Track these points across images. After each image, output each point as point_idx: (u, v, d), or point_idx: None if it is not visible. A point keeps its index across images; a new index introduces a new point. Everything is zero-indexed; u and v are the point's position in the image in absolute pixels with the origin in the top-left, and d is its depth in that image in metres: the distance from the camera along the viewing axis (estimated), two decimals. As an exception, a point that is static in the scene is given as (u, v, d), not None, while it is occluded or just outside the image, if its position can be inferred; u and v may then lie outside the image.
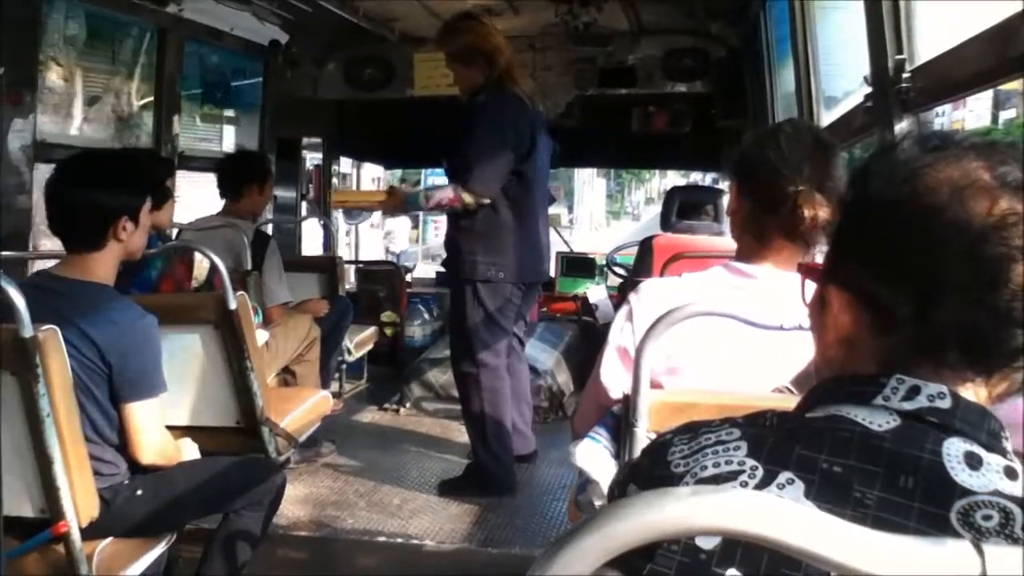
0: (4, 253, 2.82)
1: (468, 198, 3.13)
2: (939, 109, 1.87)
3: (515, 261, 3.30)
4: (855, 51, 2.12)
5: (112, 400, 2.07)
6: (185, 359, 2.65)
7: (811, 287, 0.87)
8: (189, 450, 2.32)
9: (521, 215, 3.29)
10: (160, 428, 2.14)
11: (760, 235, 1.56)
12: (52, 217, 2.12)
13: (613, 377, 1.64)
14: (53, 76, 3.57)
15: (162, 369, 2.13)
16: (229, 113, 5.29)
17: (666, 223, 4.09)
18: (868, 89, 2.07)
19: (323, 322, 3.90)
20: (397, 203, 3.26)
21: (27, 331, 1.81)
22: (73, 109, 3.77)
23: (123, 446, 2.11)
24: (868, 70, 2.04)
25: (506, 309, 3.36)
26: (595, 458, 1.54)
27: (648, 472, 0.81)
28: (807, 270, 0.89)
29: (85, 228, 2.10)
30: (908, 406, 0.73)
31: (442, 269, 5.07)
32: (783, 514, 0.50)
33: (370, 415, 4.56)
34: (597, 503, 1.54)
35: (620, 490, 0.85)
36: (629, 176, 40.68)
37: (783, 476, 0.72)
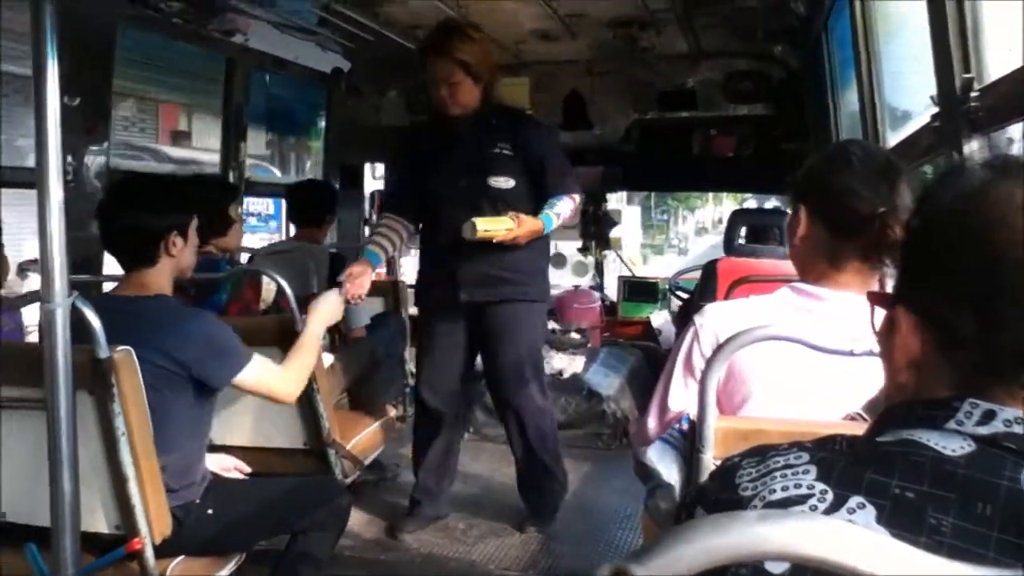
0: (78, 276, 2.92)
1: (579, 203, 3.16)
2: (1019, 132, 1.81)
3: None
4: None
5: (212, 391, 2.18)
6: (254, 380, 2.71)
7: (880, 314, 0.86)
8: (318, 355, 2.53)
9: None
10: (276, 378, 2.30)
11: (834, 259, 1.52)
12: (106, 238, 2.21)
13: (681, 399, 1.63)
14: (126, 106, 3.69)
15: (238, 341, 2.21)
16: (293, 140, 5.41)
17: (730, 247, 4.05)
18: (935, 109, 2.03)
19: (379, 340, 3.93)
20: (535, 231, 2.97)
21: (103, 352, 1.88)
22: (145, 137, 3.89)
23: (198, 458, 2.20)
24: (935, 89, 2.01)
25: None
26: (667, 459, 1.52)
27: (716, 496, 0.80)
28: (875, 297, 0.88)
29: (137, 246, 2.18)
30: (983, 431, 0.72)
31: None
32: (855, 540, 0.50)
33: None
34: (664, 506, 1.52)
35: (687, 513, 0.85)
36: (675, 203, 36.68)
37: (853, 500, 0.70)
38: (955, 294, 0.74)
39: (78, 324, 1.81)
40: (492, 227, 2.86)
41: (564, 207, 3.03)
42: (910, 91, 2.76)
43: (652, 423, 1.67)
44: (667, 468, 1.52)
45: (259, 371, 2.23)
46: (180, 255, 2.22)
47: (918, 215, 0.82)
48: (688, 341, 1.63)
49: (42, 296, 1.77)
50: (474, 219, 2.83)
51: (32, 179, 1.75)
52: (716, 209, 41.55)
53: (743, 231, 4.08)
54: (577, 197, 3.08)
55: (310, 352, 2.46)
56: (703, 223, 43.09)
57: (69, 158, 3.02)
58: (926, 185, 0.83)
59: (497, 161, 3.03)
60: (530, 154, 3.04)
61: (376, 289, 4.70)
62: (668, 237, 37.41)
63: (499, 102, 3.11)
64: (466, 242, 2.88)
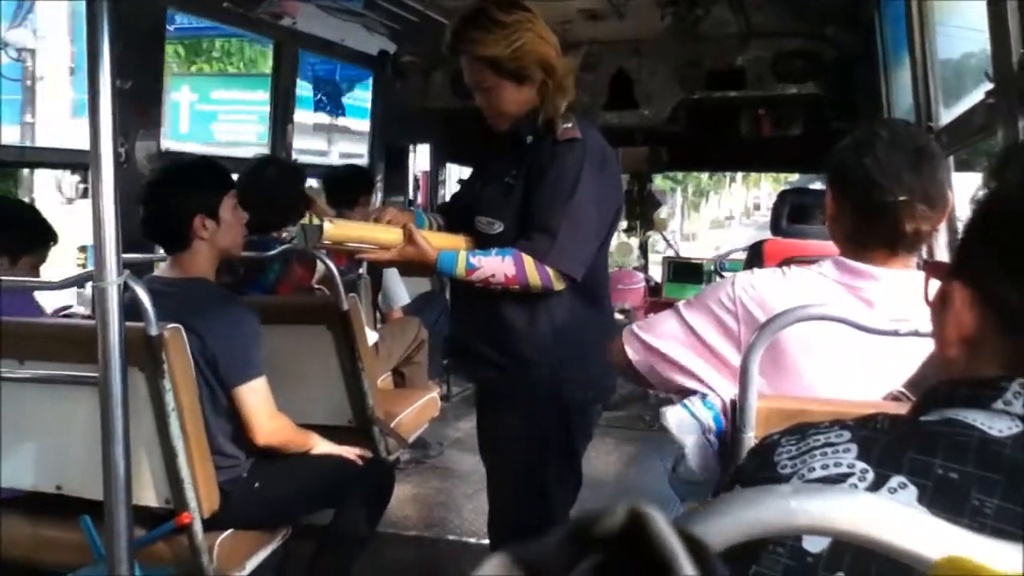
0: (129, 256, 2.97)
1: (537, 280, 1.94)
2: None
3: (603, 372, 2.04)
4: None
5: (223, 388, 2.16)
6: (300, 358, 2.75)
7: (935, 286, 0.85)
8: (321, 443, 2.38)
9: (601, 298, 2.16)
10: (270, 410, 2.20)
11: (863, 246, 1.48)
12: (142, 223, 2.23)
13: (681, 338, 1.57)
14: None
15: (259, 353, 2.18)
16: (339, 122, 5.44)
17: (776, 227, 4.00)
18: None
19: (423, 319, 3.97)
20: (418, 260, 1.94)
21: (153, 329, 1.92)
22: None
23: (241, 435, 2.21)
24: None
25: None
26: (686, 429, 1.52)
27: (754, 474, 0.80)
28: (932, 267, 0.86)
29: (168, 230, 2.21)
30: None
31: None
32: (890, 514, 0.49)
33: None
34: (684, 476, 1.52)
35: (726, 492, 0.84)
36: (671, 182, 22.48)
37: (895, 480, 0.69)
38: (1018, 274, 0.72)
39: (129, 304, 1.85)
40: (351, 233, 1.92)
41: (495, 267, 1.93)
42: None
43: (637, 342, 1.60)
44: (686, 438, 1.52)
45: (263, 393, 2.18)
46: (215, 236, 2.20)
47: (985, 190, 0.80)
48: (727, 289, 1.55)
49: (95, 275, 1.81)
50: (326, 220, 1.90)
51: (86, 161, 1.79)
52: (750, 193, 35.19)
53: (790, 211, 4.02)
54: (533, 273, 1.92)
55: (306, 444, 2.33)
56: (729, 210, 34.44)
57: (121, 140, 3.06)
58: (995, 160, 0.81)
59: (496, 193, 2.06)
60: (531, 188, 2.00)
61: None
62: (652, 241, 17.55)
63: (555, 111, 2.01)
64: (459, 288, 2.07)
